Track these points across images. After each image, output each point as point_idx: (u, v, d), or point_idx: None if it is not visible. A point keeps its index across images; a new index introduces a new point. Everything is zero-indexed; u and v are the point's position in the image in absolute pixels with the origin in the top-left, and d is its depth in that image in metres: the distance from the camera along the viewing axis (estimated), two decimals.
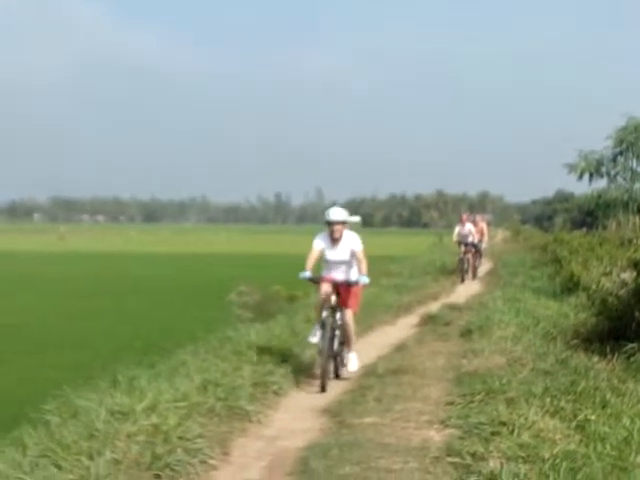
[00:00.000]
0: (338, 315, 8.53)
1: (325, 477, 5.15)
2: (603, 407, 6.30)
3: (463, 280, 20.71)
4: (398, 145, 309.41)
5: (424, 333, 12.03)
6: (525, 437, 5.50)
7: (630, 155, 28.08)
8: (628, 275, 10.82)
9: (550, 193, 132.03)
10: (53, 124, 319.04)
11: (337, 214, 8.46)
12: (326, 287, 8.46)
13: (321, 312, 8.38)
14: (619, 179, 28.66)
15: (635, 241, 15.84)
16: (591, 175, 26.55)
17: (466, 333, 11.14)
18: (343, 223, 8.50)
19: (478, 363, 8.53)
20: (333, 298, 8.42)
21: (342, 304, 8.56)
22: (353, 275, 8.59)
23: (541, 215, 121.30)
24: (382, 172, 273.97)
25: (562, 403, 6.35)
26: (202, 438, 5.72)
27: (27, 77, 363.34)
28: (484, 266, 25.55)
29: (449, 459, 5.39)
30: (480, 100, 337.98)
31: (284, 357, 8.82)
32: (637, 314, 9.37)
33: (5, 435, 5.66)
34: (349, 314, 8.58)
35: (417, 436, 6.20)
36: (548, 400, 6.42)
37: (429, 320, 13.14)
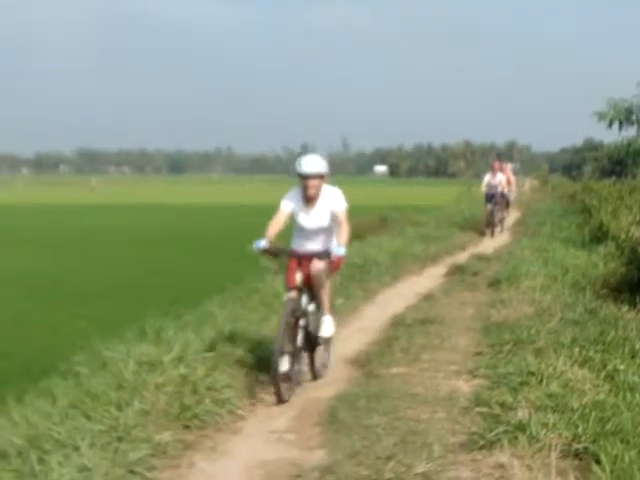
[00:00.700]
0: (305, 299, 6.38)
1: (353, 427, 5.16)
2: (632, 357, 6.24)
3: (493, 234, 20.53)
4: (425, 96, 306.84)
5: (452, 283, 11.97)
6: (554, 387, 5.46)
7: None
8: None
9: (579, 142, 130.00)
10: (78, 77, 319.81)
11: (313, 164, 6.31)
12: (293, 293, 6.27)
13: (285, 332, 6.01)
14: None
15: None
16: (621, 123, 25.97)
17: (494, 283, 11.10)
18: (321, 177, 6.32)
19: (506, 313, 8.49)
20: (298, 276, 6.28)
21: (308, 284, 6.39)
22: (335, 247, 6.30)
23: (569, 164, 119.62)
24: (409, 123, 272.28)
25: (591, 353, 6.28)
26: (230, 388, 5.75)
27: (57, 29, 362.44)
28: (512, 216, 25.32)
29: (477, 409, 5.38)
30: (508, 48, 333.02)
31: None
32: None
33: (35, 386, 5.71)
34: (319, 265, 6.28)
35: (445, 386, 6.20)
36: (577, 350, 6.35)
37: (457, 270, 13.06)
